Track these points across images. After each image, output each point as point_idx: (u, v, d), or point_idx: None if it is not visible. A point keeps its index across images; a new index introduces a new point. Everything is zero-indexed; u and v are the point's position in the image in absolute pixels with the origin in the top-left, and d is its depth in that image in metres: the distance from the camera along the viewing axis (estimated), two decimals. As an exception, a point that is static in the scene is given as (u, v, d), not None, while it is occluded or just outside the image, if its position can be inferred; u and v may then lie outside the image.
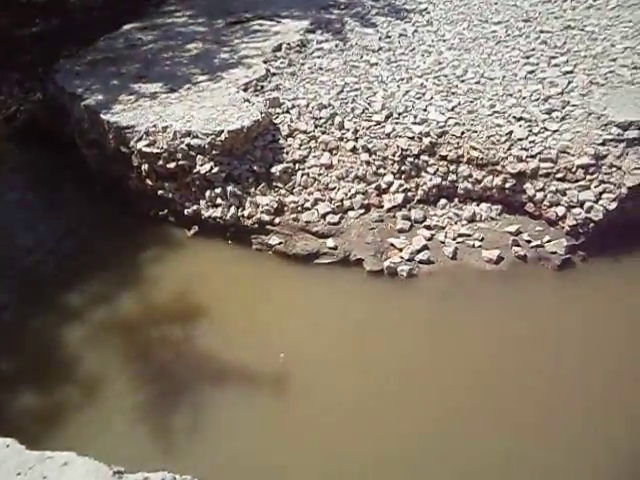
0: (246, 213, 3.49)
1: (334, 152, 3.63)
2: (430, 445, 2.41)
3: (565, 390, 2.59)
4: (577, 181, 3.27)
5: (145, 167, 3.60)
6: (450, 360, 2.76)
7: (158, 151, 3.55)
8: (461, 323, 2.94)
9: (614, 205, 3.16)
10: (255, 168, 3.55)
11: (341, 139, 3.67)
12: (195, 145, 3.50)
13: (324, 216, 3.43)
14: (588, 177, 3.24)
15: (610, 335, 2.85)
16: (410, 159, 3.53)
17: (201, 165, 3.50)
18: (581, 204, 3.23)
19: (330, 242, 3.35)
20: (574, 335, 2.85)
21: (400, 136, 3.58)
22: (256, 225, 3.48)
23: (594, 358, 2.73)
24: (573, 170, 3.27)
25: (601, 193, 3.21)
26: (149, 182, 3.66)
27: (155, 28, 5.28)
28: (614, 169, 3.20)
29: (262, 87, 4.08)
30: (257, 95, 3.96)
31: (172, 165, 3.54)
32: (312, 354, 2.85)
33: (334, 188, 3.52)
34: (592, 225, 3.20)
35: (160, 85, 4.17)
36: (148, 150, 3.55)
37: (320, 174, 3.56)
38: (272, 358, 2.82)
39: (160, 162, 3.57)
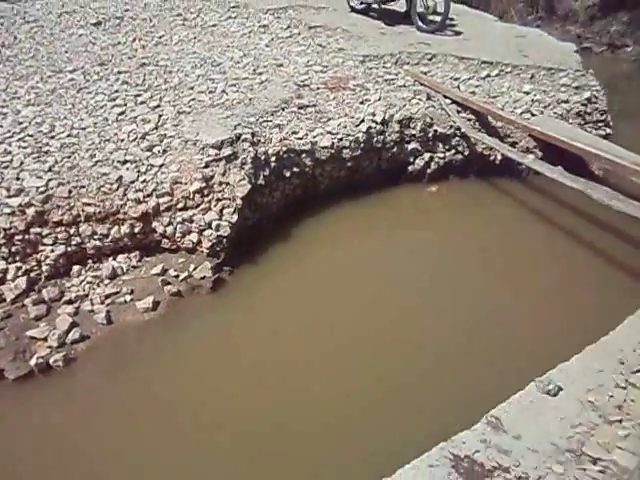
0: None
1: None
2: None
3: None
4: (198, 206, 3.40)
5: None
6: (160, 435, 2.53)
7: None
8: (135, 391, 2.70)
9: (235, 217, 3.41)
10: None
11: None
12: None
13: None
14: (206, 199, 3.41)
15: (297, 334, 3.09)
16: (19, 237, 3.07)
17: None
18: (209, 225, 3.38)
19: (-51, 367, 2.66)
20: (257, 352, 2.98)
21: (-3, 215, 3.09)
22: None
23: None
24: (191, 197, 3.38)
25: (222, 210, 3.42)
26: None
27: None
28: (224, 186, 3.44)
29: None
30: None
31: None
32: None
33: None
34: (225, 240, 3.40)
35: None
36: None
37: None
38: None
39: None
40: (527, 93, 4.88)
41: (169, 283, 3.24)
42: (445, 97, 4.57)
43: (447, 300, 3.28)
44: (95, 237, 3.25)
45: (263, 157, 3.67)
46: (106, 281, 3.21)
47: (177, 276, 3.29)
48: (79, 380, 2.76)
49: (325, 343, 2.94)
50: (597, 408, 2.12)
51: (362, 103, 4.36)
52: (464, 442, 2.00)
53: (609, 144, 4.27)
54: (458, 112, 4.47)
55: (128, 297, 3.14)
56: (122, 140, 3.70)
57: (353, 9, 6.82)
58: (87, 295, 3.12)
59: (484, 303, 3.25)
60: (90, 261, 3.27)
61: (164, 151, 3.59)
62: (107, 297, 3.12)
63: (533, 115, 4.66)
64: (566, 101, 4.87)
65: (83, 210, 3.23)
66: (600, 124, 4.93)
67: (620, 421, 2.06)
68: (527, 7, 9.21)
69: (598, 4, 9.04)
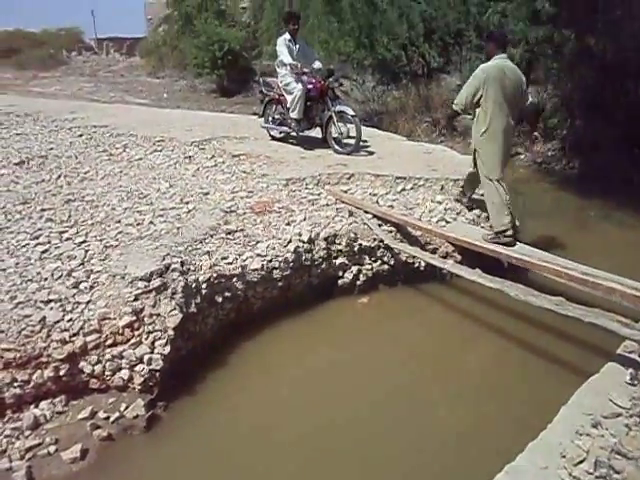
0: None
1: None
2: None
3: None
4: (128, 340, 3.29)
5: None
6: None
7: None
8: None
9: (168, 348, 3.32)
10: None
11: None
12: None
13: None
14: (136, 333, 3.32)
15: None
16: None
17: None
18: (141, 359, 3.25)
19: None
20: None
21: None
22: None
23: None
24: (120, 332, 3.28)
25: (153, 342, 3.32)
26: None
27: None
28: (155, 317, 3.38)
29: None
30: None
31: None
32: None
33: None
34: (158, 374, 3.27)
35: None
36: None
37: None
38: None
39: None
40: (440, 203, 5.29)
41: (99, 427, 3.03)
42: (366, 212, 4.86)
43: (393, 411, 3.25)
44: (15, 385, 3.03)
45: (194, 285, 3.67)
46: (27, 432, 2.95)
47: (107, 418, 3.09)
48: None
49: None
50: (547, 509, 2.11)
51: (288, 224, 4.55)
52: None
53: (517, 243, 4.64)
54: (379, 225, 4.75)
55: (52, 448, 2.89)
56: (46, 279, 3.60)
57: (273, 137, 7.32)
58: (5, 451, 2.84)
59: (427, 411, 3.26)
60: (9, 411, 3.01)
61: (91, 287, 3.52)
62: (28, 450, 2.85)
63: (448, 222, 5.02)
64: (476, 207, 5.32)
65: (2, 356, 3.04)
66: (508, 225, 5.37)
67: (571, 520, 2.06)
68: (431, 126, 10.23)
69: (491, 121, 10.23)
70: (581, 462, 2.30)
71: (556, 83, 9.04)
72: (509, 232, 4.46)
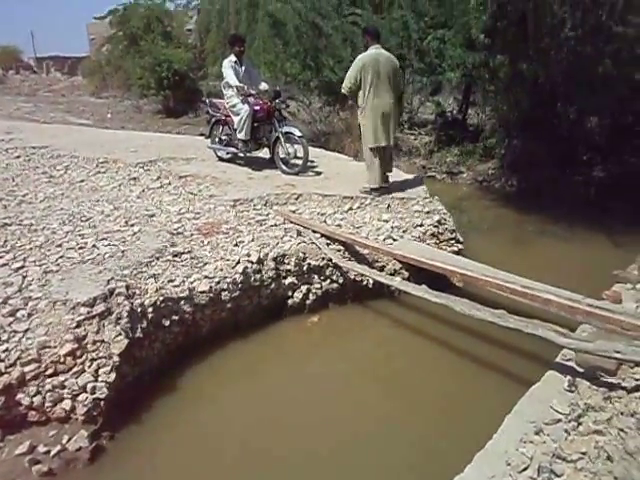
0: None
1: None
2: None
3: None
4: (70, 369, 3.16)
5: None
6: None
7: None
8: None
9: (113, 376, 3.21)
10: None
11: None
12: None
13: None
14: (79, 361, 3.19)
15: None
16: None
17: None
18: (84, 388, 3.13)
19: None
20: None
21: None
22: None
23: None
24: (61, 361, 3.15)
25: (97, 370, 3.20)
26: None
27: None
28: (99, 344, 3.27)
29: None
30: None
31: None
32: None
33: None
34: (103, 403, 3.15)
35: None
36: None
37: None
38: None
39: None
40: (386, 221, 5.41)
41: (38, 462, 2.87)
42: (314, 232, 4.90)
43: (344, 427, 3.26)
44: (-55, 422, 2.85)
45: (140, 309, 3.58)
46: (-41, 473, 2.77)
47: (48, 452, 2.94)
48: None
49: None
50: (494, 518, 2.16)
51: (236, 245, 4.52)
52: None
53: (461, 259, 4.80)
54: (328, 244, 4.80)
55: (-13, 487, 2.73)
56: (-21, 308, 3.43)
57: (221, 158, 7.29)
58: None
59: (376, 425, 3.29)
60: (-62, 452, 2.83)
61: (29, 315, 3.37)
62: (-41, 494, 2.68)
63: (395, 240, 5.13)
64: (421, 225, 5.46)
65: None
66: (452, 241, 5.55)
67: (517, 527, 2.12)
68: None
69: (434, 141, 10.59)
70: (525, 469, 2.38)
71: (494, 105, 9.46)
72: (379, 189, 5.80)
